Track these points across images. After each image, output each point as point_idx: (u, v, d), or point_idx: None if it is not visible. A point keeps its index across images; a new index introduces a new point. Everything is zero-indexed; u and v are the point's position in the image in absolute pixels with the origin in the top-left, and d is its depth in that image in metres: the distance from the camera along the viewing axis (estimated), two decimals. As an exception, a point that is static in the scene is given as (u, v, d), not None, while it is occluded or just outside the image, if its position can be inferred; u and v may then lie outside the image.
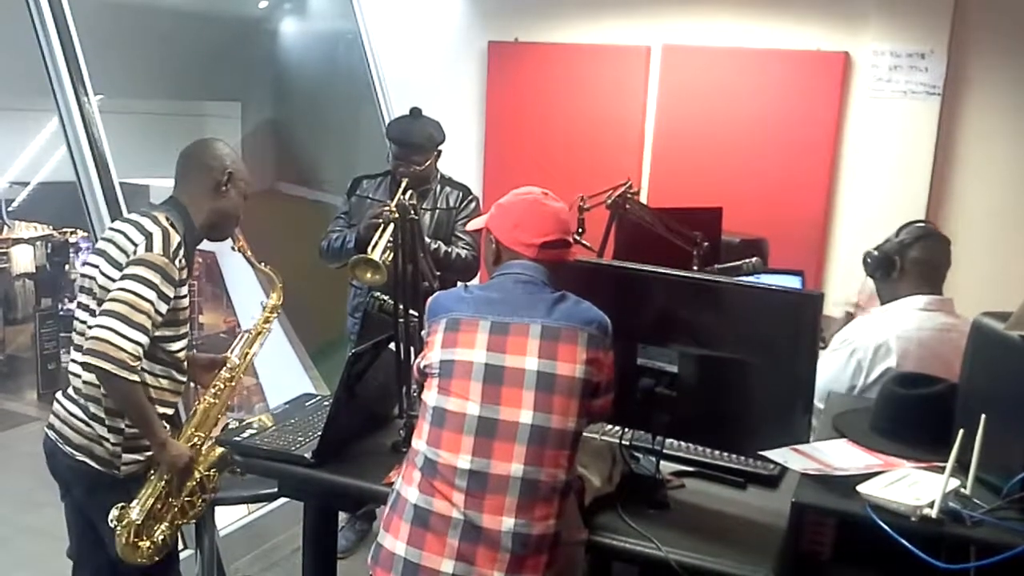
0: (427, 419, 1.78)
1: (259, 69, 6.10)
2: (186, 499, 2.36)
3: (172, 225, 2.27)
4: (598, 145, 4.59)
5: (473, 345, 1.77)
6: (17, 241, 9.14)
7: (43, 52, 3.02)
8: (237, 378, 2.46)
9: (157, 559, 2.31)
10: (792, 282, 3.50)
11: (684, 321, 1.98)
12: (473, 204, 3.39)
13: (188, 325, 2.38)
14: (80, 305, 2.30)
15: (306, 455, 2.15)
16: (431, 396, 1.79)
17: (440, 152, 3.33)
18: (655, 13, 4.50)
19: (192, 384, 2.53)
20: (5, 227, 9.02)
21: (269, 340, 2.59)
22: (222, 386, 2.45)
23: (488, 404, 1.73)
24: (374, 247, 2.83)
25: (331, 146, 6.08)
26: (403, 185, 3.07)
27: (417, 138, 3.25)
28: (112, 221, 2.57)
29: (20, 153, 6.69)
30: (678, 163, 4.47)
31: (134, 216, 2.29)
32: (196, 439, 2.39)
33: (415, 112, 3.33)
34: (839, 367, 2.42)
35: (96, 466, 2.27)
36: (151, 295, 2.17)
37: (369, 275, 2.74)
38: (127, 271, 2.18)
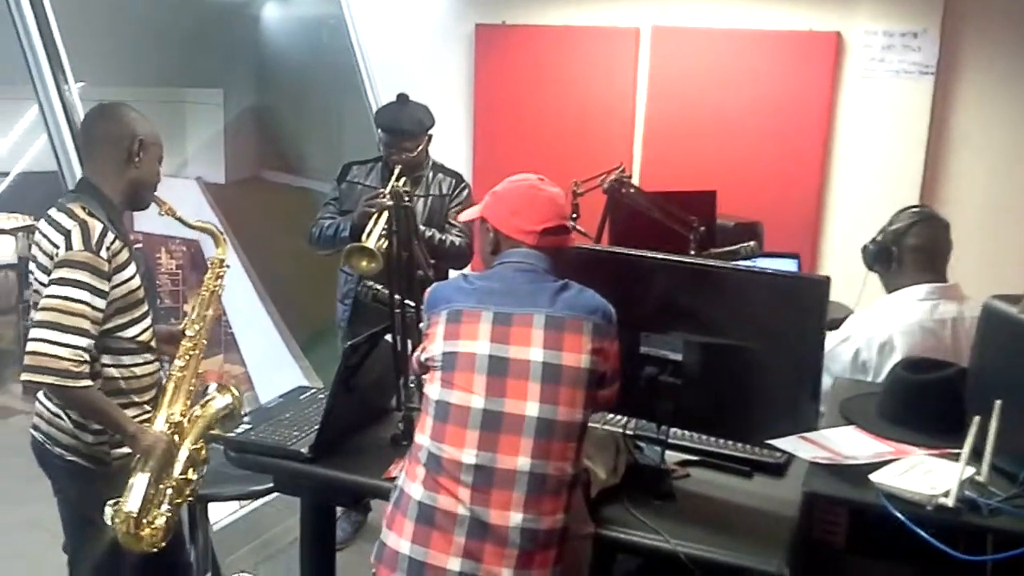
0: (430, 413, 1.74)
1: (242, 55, 6.02)
2: (180, 477, 2.27)
3: (90, 214, 2.14)
4: (588, 128, 4.54)
5: (476, 336, 1.72)
6: (-2, 232, 9.01)
7: (21, 39, 2.94)
8: (200, 344, 2.37)
9: (163, 544, 2.25)
10: (788, 265, 3.47)
11: (688, 308, 1.94)
12: (466, 192, 3.35)
13: (146, 305, 2.27)
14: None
15: (302, 450, 2.10)
16: (434, 389, 1.75)
17: (431, 136, 3.28)
18: (645, -7, 4.45)
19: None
20: (-16, 218, 8.89)
21: (256, 329, 2.53)
22: (188, 356, 2.35)
23: (493, 397, 1.69)
24: (368, 235, 2.80)
25: (316, 132, 6.01)
26: (396, 172, 3.03)
27: (407, 124, 3.20)
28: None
29: (-1, 143, 6.59)
30: (669, 146, 4.43)
31: (52, 212, 2.17)
32: (172, 416, 2.28)
33: (402, 98, 3.28)
34: (844, 364, 2.35)
35: (88, 464, 2.22)
36: (82, 295, 2.05)
37: (364, 263, 2.72)
38: (53, 276, 2.07)
